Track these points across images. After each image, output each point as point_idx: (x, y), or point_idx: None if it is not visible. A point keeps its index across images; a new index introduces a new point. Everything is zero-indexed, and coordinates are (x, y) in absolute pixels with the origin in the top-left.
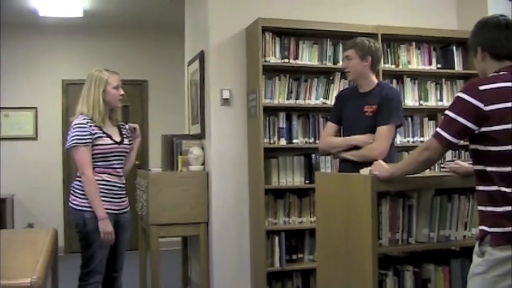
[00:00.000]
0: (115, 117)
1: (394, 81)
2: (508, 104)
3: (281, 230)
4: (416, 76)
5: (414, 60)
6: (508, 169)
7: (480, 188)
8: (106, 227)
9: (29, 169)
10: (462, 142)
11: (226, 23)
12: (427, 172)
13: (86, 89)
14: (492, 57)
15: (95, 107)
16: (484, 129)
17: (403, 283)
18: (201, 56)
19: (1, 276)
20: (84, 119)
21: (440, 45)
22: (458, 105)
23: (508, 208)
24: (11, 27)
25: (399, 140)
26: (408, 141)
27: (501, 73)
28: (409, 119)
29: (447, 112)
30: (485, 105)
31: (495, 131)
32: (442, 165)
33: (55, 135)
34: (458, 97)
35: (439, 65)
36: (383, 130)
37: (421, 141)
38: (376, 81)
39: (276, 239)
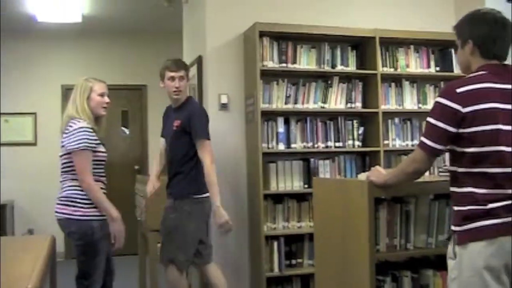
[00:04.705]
0: (101, 128)
1: (393, 84)
2: (485, 105)
3: (280, 235)
4: (415, 79)
5: (412, 63)
6: (478, 170)
7: (452, 189)
8: (121, 226)
9: (29, 175)
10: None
11: (223, 27)
12: (426, 177)
13: (73, 96)
14: (481, 54)
15: (82, 112)
16: (461, 130)
17: None
18: (199, 61)
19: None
20: (88, 123)
21: (438, 48)
22: (437, 110)
23: (472, 207)
24: (9, 33)
25: (398, 143)
26: (407, 145)
27: (480, 73)
28: (408, 122)
29: (428, 119)
30: (463, 107)
31: (472, 132)
32: (440, 169)
33: (54, 141)
34: (437, 102)
35: (437, 68)
36: (201, 144)
37: None
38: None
39: (275, 244)
